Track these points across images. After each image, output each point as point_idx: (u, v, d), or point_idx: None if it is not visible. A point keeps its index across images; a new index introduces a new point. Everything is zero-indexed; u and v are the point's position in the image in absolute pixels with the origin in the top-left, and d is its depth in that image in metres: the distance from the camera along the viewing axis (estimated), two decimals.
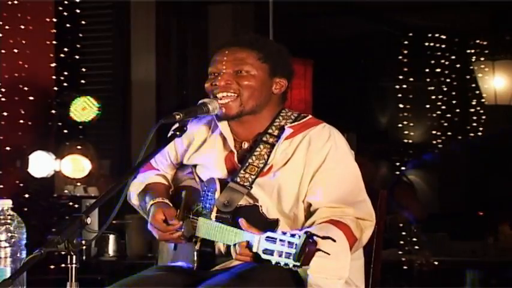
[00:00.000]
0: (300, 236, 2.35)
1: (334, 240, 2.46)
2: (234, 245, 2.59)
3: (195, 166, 2.94)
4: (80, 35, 6.12)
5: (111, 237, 5.07)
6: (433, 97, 8.06)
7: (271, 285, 2.62)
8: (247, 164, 2.79)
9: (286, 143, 2.81)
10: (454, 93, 8.10)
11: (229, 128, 2.88)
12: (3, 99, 5.15)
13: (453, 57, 8.07)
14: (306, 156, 2.78)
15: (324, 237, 2.41)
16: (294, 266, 2.37)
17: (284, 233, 2.40)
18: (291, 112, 2.89)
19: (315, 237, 2.37)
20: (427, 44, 7.97)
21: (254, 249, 2.49)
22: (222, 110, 2.80)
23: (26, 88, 5.19)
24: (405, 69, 7.69)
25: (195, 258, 2.78)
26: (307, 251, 2.35)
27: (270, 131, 2.84)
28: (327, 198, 2.73)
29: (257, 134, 2.85)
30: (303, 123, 2.85)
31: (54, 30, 5.39)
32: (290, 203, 2.77)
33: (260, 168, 2.78)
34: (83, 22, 6.12)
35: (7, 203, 2.66)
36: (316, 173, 2.76)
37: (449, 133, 7.86)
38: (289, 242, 2.37)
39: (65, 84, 5.59)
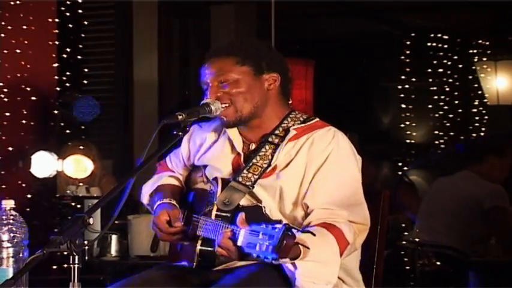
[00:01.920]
0: (279, 229, 2.36)
1: (314, 234, 2.49)
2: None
3: (205, 167, 2.96)
4: (82, 35, 6.12)
5: (114, 238, 5.07)
6: (435, 97, 8.07)
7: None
8: (251, 164, 2.80)
9: (290, 145, 2.81)
10: (456, 93, 8.11)
11: (238, 130, 2.89)
12: (5, 99, 5.15)
13: (455, 57, 8.08)
14: (307, 157, 2.78)
15: (303, 231, 2.43)
16: (272, 259, 2.37)
17: (267, 226, 2.41)
18: (300, 114, 2.90)
19: (293, 230, 2.38)
20: (429, 44, 7.98)
21: (239, 243, 2.50)
22: (223, 119, 2.82)
23: (28, 88, 5.19)
24: (407, 70, 7.69)
25: (195, 257, 2.78)
26: (285, 244, 2.36)
27: (276, 132, 2.85)
28: (323, 200, 2.73)
29: (264, 134, 2.86)
30: (308, 125, 2.85)
31: (57, 31, 5.38)
32: (291, 204, 2.78)
33: (264, 169, 2.79)
34: (85, 22, 6.13)
35: (9, 203, 2.67)
36: (316, 173, 2.77)
37: (451, 133, 7.86)
38: (269, 235, 2.37)
39: (68, 84, 5.59)
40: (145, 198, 3.06)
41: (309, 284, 2.56)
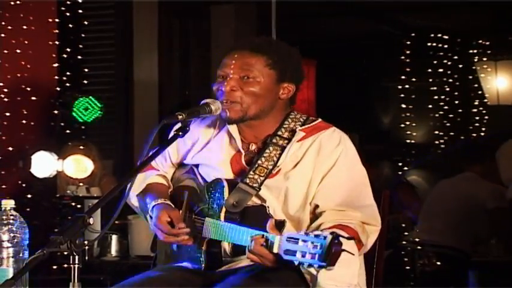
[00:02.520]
0: (324, 237, 2.34)
1: (360, 241, 2.49)
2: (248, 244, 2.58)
3: (197, 166, 2.94)
4: (83, 35, 6.12)
5: (114, 238, 5.07)
6: (436, 97, 8.07)
7: (286, 286, 2.62)
8: (256, 165, 2.78)
9: (296, 146, 2.80)
10: (456, 93, 8.11)
11: (238, 128, 2.87)
12: (5, 99, 5.15)
13: (455, 57, 8.07)
14: (315, 160, 2.78)
15: (349, 238, 2.42)
16: (319, 266, 2.36)
17: (307, 234, 2.38)
18: (300, 115, 2.88)
19: (340, 238, 2.36)
20: (429, 44, 7.98)
21: (275, 250, 2.47)
22: (226, 113, 2.79)
23: (28, 88, 5.19)
24: (407, 70, 7.69)
25: (203, 258, 2.77)
26: (334, 251, 2.33)
27: (279, 133, 2.83)
28: (335, 201, 2.73)
29: (266, 136, 2.84)
30: (313, 126, 2.84)
31: (57, 31, 5.38)
32: (296, 205, 2.77)
33: (269, 170, 2.78)
34: (85, 22, 6.13)
35: (10, 203, 2.66)
36: (325, 175, 2.76)
37: (451, 133, 7.86)
38: (312, 243, 2.35)
39: (68, 84, 5.59)
40: (133, 199, 2.99)
41: (331, 286, 2.56)
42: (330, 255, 2.32)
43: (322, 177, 2.76)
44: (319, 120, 2.88)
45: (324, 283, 2.56)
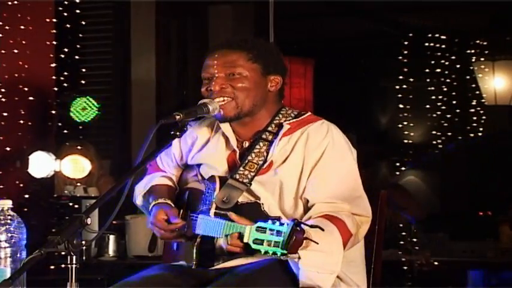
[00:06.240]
0: (288, 224, 2.36)
1: (322, 229, 2.48)
2: (226, 235, 2.61)
3: (199, 166, 2.96)
4: (80, 35, 6.12)
5: (111, 238, 5.07)
6: (433, 97, 8.06)
7: (278, 286, 2.62)
8: (246, 161, 2.82)
9: (285, 140, 2.83)
10: (454, 93, 8.10)
11: (231, 127, 2.89)
12: (3, 99, 5.15)
13: (453, 57, 8.07)
14: (304, 152, 2.80)
15: (312, 226, 2.43)
16: (281, 254, 2.39)
17: (274, 223, 2.42)
18: (291, 110, 2.92)
19: (302, 226, 2.38)
20: (427, 44, 7.97)
21: (245, 240, 2.50)
22: (220, 112, 2.80)
23: (26, 88, 5.19)
24: (405, 70, 7.69)
25: (194, 256, 2.78)
26: (294, 239, 2.38)
27: (269, 128, 2.86)
28: (324, 194, 2.74)
29: (257, 132, 2.87)
30: (301, 119, 2.87)
31: (54, 31, 5.39)
32: (291, 199, 2.79)
33: (259, 165, 2.80)
34: (83, 22, 6.13)
35: (7, 203, 2.67)
36: (313, 168, 2.78)
37: (449, 133, 7.86)
38: (277, 231, 2.39)
39: (65, 84, 5.59)
40: (138, 199, 3.06)
41: (313, 273, 2.57)
42: (291, 243, 2.35)
43: (311, 169, 2.78)
44: (309, 113, 2.91)
45: (307, 270, 2.57)
